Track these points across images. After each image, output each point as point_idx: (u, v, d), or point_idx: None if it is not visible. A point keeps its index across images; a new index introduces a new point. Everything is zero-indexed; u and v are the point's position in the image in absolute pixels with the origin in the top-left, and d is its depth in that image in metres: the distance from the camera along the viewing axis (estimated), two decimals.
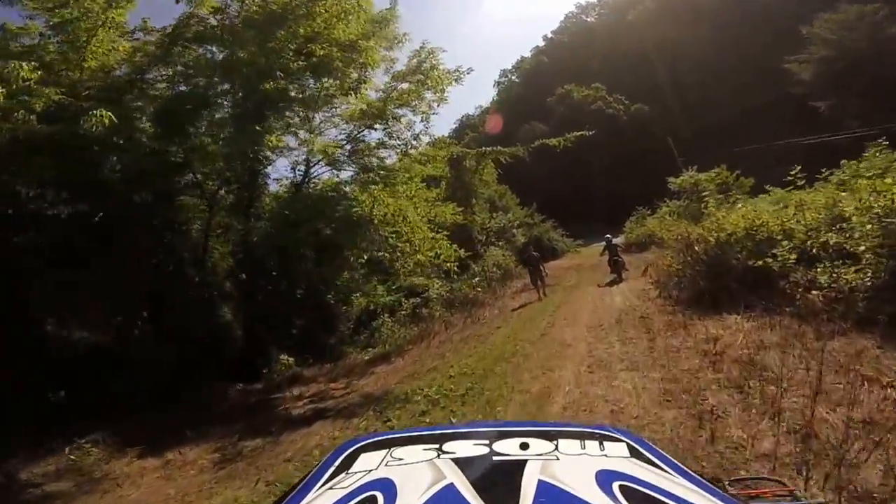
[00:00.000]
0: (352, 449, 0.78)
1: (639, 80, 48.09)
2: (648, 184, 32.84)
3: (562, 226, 27.96)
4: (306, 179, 11.42)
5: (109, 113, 7.04)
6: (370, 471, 0.68)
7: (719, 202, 17.42)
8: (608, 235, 15.03)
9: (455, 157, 19.53)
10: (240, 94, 9.78)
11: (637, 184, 35.72)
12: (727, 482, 1.22)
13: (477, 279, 15.17)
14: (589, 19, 58.76)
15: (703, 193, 19.02)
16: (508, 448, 0.70)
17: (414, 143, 11.61)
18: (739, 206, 12.08)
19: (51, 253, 8.16)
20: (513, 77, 61.30)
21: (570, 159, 40.92)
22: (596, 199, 39.03)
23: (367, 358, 10.96)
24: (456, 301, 14.21)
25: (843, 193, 7.37)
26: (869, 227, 5.68)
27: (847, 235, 6.00)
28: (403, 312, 13.12)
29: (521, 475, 0.61)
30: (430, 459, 0.67)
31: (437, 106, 13.49)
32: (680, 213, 20.03)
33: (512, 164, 39.14)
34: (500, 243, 21.57)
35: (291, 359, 10.66)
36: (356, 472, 0.68)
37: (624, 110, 46.14)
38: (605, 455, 0.69)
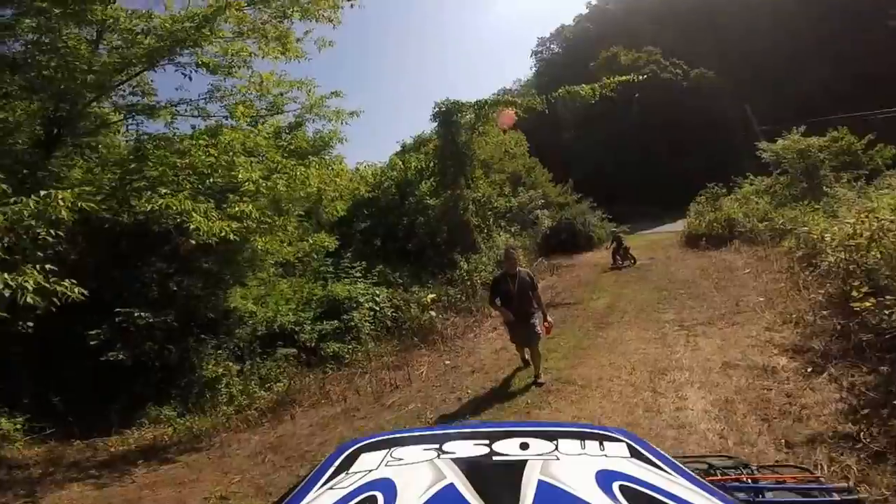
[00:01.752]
0: (352, 449, 0.70)
1: (700, 47, 38.57)
2: (717, 161, 24.72)
3: (605, 208, 20.60)
4: None
5: None
6: (370, 471, 0.61)
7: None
8: (615, 230, 14.05)
9: (444, 109, 13.08)
10: None
11: (703, 160, 27.59)
12: (756, 467, 1.28)
13: (431, 296, 8.68)
14: None
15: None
16: (508, 448, 0.63)
17: None
18: None
19: None
20: (552, 46, 52.20)
21: (619, 131, 33.13)
22: (650, 178, 30.57)
23: (134, 446, 5.14)
24: (404, 325, 8.02)
25: None
26: None
27: None
28: (283, 352, 7.03)
29: (521, 475, 0.55)
30: (431, 459, 0.61)
31: None
32: (776, 193, 12.73)
33: (549, 137, 31.78)
34: (514, 228, 14.93)
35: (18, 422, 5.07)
36: (356, 472, 0.61)
37: (682, 76, 37.02)
38: (605, 455, 0.62)
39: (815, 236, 6.68)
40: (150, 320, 5.95)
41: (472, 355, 6.58)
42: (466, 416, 4.52)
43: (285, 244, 8.04)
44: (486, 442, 0.67)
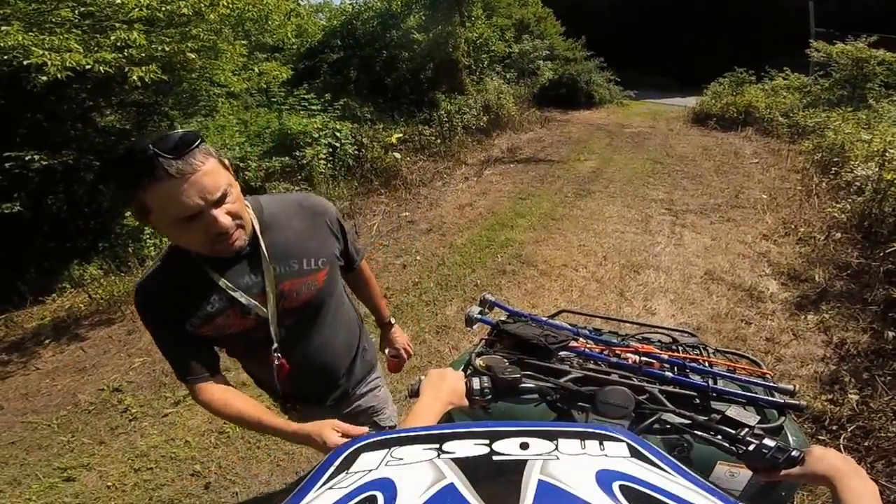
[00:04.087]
0: (352, 449, 0.62)
1: None
2: (753, 50, 21.02)
3: (614, 70, 18.24)
4: None
5: None
6: (370, 470, 0.55)
7: None
8: None
9: None
10: None
11: (737, 45, 23.76)
12: (713, 350, 1.27)
13: (397, 135, 7.46)
14: None
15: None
16: (508, 448, 0.58)
17: None
18: None
19: None
20: None
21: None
22: (673, 51, 26.77)
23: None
24: (365, 165, 7.03)
25: None
26: None
27: None
28: None
29: (521, 475, 0.51)
30: (431, 459, 0.56)
31: None
32: (810, 93, 11.04)
33: None
34: (510, 75, 13.14)
35: None
36: (356, 472, 0.56)
37: None
38: (606, 455, 0.57)
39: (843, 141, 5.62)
40: (48, 163, 4.79)
41: (433, 208, 5.75)
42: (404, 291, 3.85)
43: (227, 72, 6.65)
44: (486, 441, 0.60)
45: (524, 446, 0.59)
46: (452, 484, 0.50)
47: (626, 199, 5.64)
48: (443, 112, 9.36)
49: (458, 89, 10.62)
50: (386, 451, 0.61)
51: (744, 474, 0.95)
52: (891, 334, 2.81)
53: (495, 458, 0.57)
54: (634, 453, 0.59)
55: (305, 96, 7.82)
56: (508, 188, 6.24)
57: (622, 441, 0.61)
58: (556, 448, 0.58)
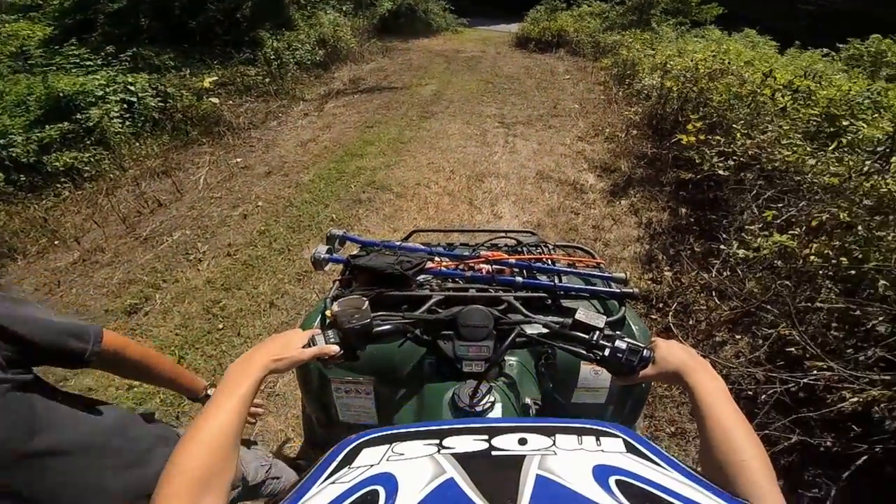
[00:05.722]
0: (354, 444, 0.63)
1: None
2: None
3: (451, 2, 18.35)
4: None
5: None
6: (372, 465, 0.56)
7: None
8: None
9: None
10: None
11: None
12: (552, 247, 1.27)
13: (211, 78, 6.44)
14: None
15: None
16: (507, 443, 0.59)
17: None
18: None
19: None
20: None
21: None
22: None
23: None
24: (175, 117, 5.88)
25: None
26: None
27: None
28: None
29: (520, 470, 0.51)
30: (431, 454, 0.56)
31: None
32: (608, 19, 12.28)
33: None
34: (346, 7, 12.08)
35: None
36: (358, 468, 0.56)
37: None
38: (602, 450, 0.58)
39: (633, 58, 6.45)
40: None
41: (269, 150, 5.15)
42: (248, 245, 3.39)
43: None
44: (486, 437, 0.61)
45: (522, 442, 0.58)
46: (452, 478, 0.49)
47: (465, 116, 5.80)
48: (268, 50, 8.24)
49: (286, 25, 9.40)
50: (387, 446, 0.59)
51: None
52: (683, 210, 3.34)
53: (494, 453, 0.55)
54: (630, 449, 0.58)
55: (75, 52, 6.20)
56: (354, 118, 5.90)
57: (618, 437, 0.61)
58: (554, 444, 0.57)
